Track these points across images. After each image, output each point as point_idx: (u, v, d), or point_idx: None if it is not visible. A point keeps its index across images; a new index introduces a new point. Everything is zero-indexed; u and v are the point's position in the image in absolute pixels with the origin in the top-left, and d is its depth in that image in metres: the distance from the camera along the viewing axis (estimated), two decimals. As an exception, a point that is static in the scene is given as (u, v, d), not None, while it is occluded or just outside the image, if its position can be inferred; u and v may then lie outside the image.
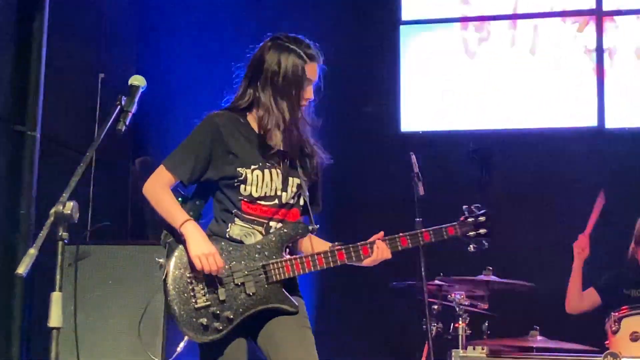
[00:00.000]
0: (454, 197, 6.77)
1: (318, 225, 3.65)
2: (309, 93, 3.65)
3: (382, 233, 3.64)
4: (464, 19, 7.22)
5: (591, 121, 6.94)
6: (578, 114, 6.97)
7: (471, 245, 3.79)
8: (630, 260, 5.66)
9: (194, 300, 3.42)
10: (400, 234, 3.65)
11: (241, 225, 3.56)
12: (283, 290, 3.50)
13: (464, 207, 3.82)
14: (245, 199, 3.56)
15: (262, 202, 3.57)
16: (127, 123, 3.18)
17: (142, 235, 6.41)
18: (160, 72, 6.86)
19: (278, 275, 3.49)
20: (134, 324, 4.41)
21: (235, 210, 3.57)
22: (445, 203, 6.84)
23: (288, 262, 3.52)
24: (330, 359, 3.75)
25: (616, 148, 6.86)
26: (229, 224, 3.56)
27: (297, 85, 3.59)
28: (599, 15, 6.94)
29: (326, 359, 3.66)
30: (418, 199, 5.15)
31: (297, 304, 3.53)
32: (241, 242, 3.54)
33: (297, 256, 3.56)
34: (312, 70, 3.64)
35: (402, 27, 7.27)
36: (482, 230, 3.77)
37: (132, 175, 7.01)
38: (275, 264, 3.49)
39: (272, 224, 3.58)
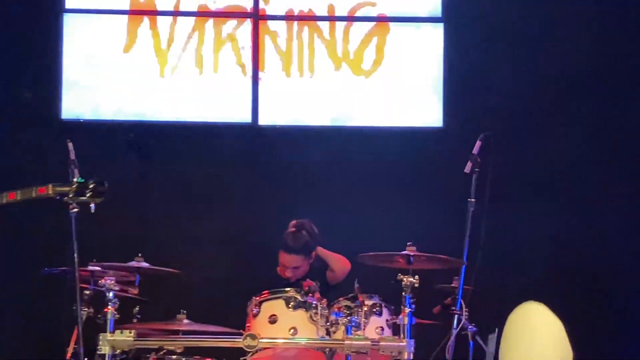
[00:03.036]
0: (112, 182, 6.85)
1: None
2: None
3: None
4: (130, 12, 7.22)
5: (246, 117, 7.19)
6: (230, 107, 7.20)
7: (72, 203, 4.07)
8: None
9: None
10: None
11: None
12: None
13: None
14: None
15: None
16: None
17: None
18: None
19: None
20: None
21: None
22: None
23: None
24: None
25: (268, 143, 7.17)
26: None
27: None
28: (255, 18, 7.18)
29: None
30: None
31: None
32: None
33: None
34: None
35: (66, 15, 7.16)
36: (87, 196, 4.01)
37: None
38: None
39: None
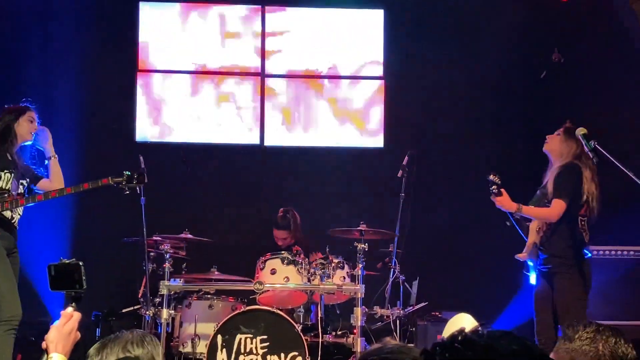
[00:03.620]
0: (166, 184, 6.85)
1: None
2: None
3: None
4: (176, 72, 7.16)
5: (255, 139, 7.15)
6: (245, 134, 7.13)
7: (125, 189, 4.25)
8: None
9: None
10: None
11: None
12: None
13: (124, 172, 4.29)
14: None
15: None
16: None
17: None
18: None
19: None
20: None
21: None
22: (160, 188, 6.84)
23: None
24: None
25: (271, 157, 7.13)
26: None
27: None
28: (262, 76, 7.15)
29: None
30: (145, 185, 5.13)
31: None
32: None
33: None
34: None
35: (139, 74, 7.12)
36: (134, 183, 4.28)
37: None
38: None
39: None
